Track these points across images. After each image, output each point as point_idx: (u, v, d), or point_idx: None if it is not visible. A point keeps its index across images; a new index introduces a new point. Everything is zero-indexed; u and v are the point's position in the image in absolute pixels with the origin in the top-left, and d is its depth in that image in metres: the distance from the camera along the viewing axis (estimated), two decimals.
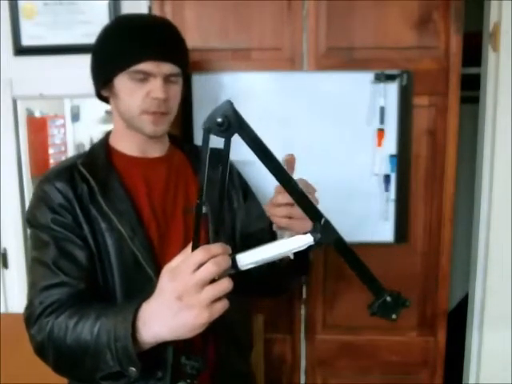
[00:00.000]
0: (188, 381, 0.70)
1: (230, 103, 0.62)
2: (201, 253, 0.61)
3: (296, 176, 0.74)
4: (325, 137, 1.43)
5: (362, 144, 1.43)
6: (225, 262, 0.62)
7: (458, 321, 1.69)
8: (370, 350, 1.55)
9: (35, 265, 0.89)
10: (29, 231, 0.93)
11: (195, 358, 0.69)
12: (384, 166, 1.43)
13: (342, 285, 1.52)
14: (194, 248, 0.63)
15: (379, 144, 1.42)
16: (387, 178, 1.43)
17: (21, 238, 1.52)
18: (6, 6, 1.43)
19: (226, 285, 0.62)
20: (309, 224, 0.86)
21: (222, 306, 0.63)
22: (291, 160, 0.81)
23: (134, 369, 0.69)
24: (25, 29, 1.43)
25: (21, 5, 1.42)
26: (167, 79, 0.94)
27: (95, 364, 0.73)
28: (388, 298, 0.68)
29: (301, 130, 1.43)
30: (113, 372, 0.72)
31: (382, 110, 1.40)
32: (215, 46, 1.44)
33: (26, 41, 1.44)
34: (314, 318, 1.55)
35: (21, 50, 1.45)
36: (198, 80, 1.41)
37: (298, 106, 1.42)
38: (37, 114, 1.59)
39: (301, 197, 0.67)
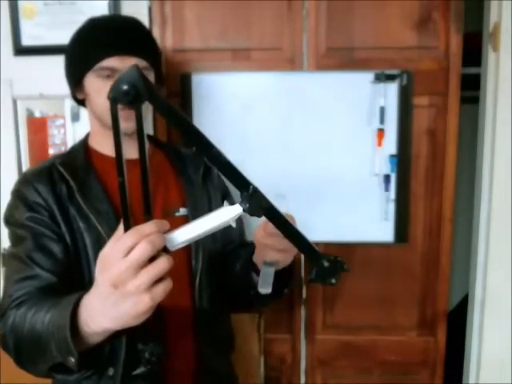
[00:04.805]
0: (148, 366, 0.66)
1: (135, 68, 0.55)
2: (132, 235, 0.56)
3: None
4: (325, 137, 1.43)
5: (362, 144, 1.43)
6: (159, 239, 0.56)
7: (458, 321, 1.69)
8: (370, 350, 1.55)
9: (11, 260, 0.89)
10: (7, 231, 0.92)
11: (153, 343, 0.65)
12: (384, 166, 1.43)
13: (341, 285, 1.52)
14: (125, 230, 0.57)
15: (379, 144, 1.42)
16: (387, 177, 1.43)
17: None
18: (6, 5, 1.43)
19: (163, 264, 0.56)
20: (291, 257, 0.84)
21: (164, 287, 0.57)
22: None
23: (72, 359, 0.65)
24: (25, 29, 1.43)
25: (21, 5, 1.42)
26: None
27: (45, 355, 0.71)
28: (325, 264, 0.66)
29: (301, 130, 1.43)
30: (64, 364, 0.69)
31: (382, 110, 1.40)
32: (215, 46, 1.44)
33: (26, 41, 1.44)
34: (313, 318, 1.55)
35: (21, 50, 1.44)
36: (198, 80, 1.41)
37: (298, 106, 1.42)
38: (37, 114, 1.59)
39: (226, 166, 0.60)
